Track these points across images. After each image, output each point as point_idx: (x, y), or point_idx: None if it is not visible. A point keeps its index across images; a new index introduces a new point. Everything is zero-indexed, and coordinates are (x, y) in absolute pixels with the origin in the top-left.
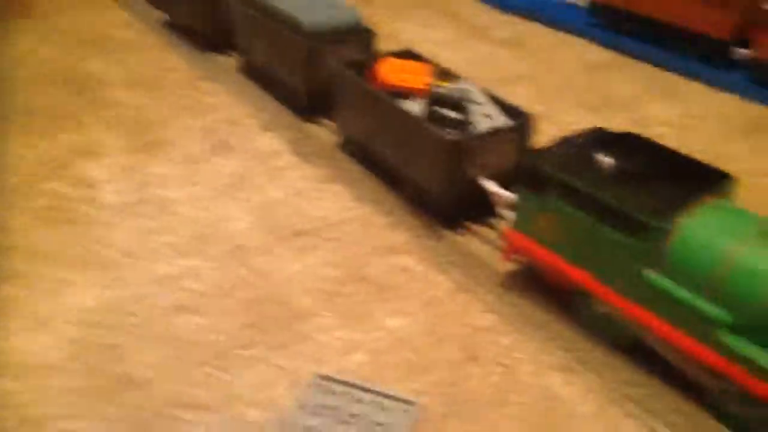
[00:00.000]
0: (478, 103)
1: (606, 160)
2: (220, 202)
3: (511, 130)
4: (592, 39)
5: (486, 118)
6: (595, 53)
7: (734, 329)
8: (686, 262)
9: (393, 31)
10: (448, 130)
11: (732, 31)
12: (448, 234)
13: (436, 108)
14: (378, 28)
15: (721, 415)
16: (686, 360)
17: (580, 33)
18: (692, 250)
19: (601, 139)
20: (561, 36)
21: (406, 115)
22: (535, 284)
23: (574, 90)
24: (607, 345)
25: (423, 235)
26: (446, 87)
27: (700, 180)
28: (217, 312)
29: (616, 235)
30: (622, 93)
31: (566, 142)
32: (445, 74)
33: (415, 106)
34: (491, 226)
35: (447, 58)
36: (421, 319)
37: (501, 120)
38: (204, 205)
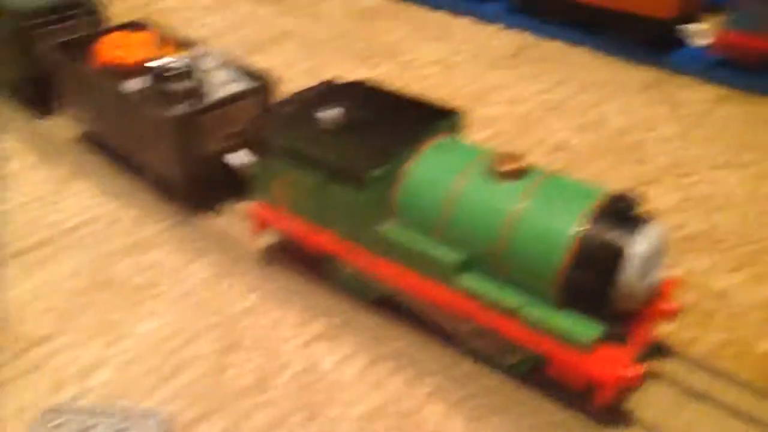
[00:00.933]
0: (214, 71)
1: (329, 114)
2: None
3: (246, 95)
4: None
5: (223, 86)
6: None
7: (468, 268)
8: (414, 207)
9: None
10: (176, 105)
11: None
12: (201, 218)
13: (160, 82)
14: None
15: (475, 355)
16: (432, 307)
17: None
18: (417, 194)
19: (328, 92)
20: None
21: (121, 95)
22: (294, 255)
23: (342, 41)
24: (366, 304)
25: (174, 224)
26: (169, 58)
27: (426, 121)
28: None
29: (342, 191)
30: (390, 39)
31: (292, 101)
32: (184, 43)
33: (138, 84)
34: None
35: (208, 23)
36: (175, 316)
37: (240, 86)
38: None
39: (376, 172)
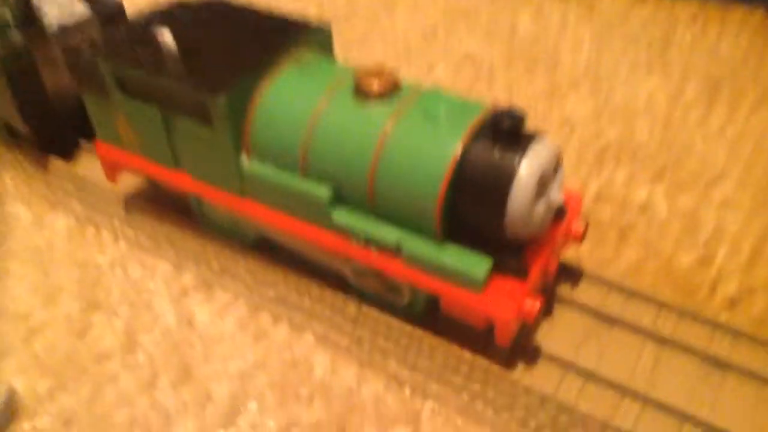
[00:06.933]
0: None
1: (169, 36)
2: None
3: (89, 22)
4: None
5: (60, 11)
6: None
7: (339, 203)
8: (271, 138)
9: None
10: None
11: None
12: (60, 163)
13: None
14: None
15: (363, 296)
16: (311, 247)
17: None
18: (274, 122)
19: (177, 12)
20: None
21: None
22: (161, 197)
23: None
24: (243, 248)
25: (28, 172)
26: None
27: (283, 39)
28: None
29: (188, 125)
30: None
31: (133, 24)
32: None
33: None
34: None
35: None
36: (33, 273)
37: (79, 12)
38: None
39: (222, 99)
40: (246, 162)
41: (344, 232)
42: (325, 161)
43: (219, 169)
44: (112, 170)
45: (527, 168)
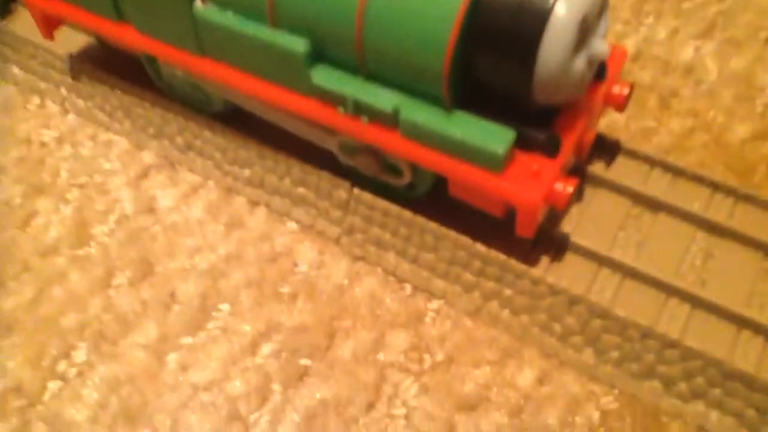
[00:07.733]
0: None
1: None
2: None
3: None
4: None
5: None
6: None
7: (320, 60)
8: None
9: None
10: None
11: None
12: None
13: None
14: None
15: (353, 177)
16: (289, 117)
17: None
18: None
19: None
20: None
21: None
22: (113, 59)
23: None
24: (210, 119)
25: None
26: None
27: None
28: None
29: None
30: None
31: None
32: None
33: None
34: None
35: None
36: None
37: None
38: None
39: None
40: (200, 8)
41: (327, 98)
42: (301, 7)
43: (169, 20)
44: (45, 24)
45: (566, 6)
